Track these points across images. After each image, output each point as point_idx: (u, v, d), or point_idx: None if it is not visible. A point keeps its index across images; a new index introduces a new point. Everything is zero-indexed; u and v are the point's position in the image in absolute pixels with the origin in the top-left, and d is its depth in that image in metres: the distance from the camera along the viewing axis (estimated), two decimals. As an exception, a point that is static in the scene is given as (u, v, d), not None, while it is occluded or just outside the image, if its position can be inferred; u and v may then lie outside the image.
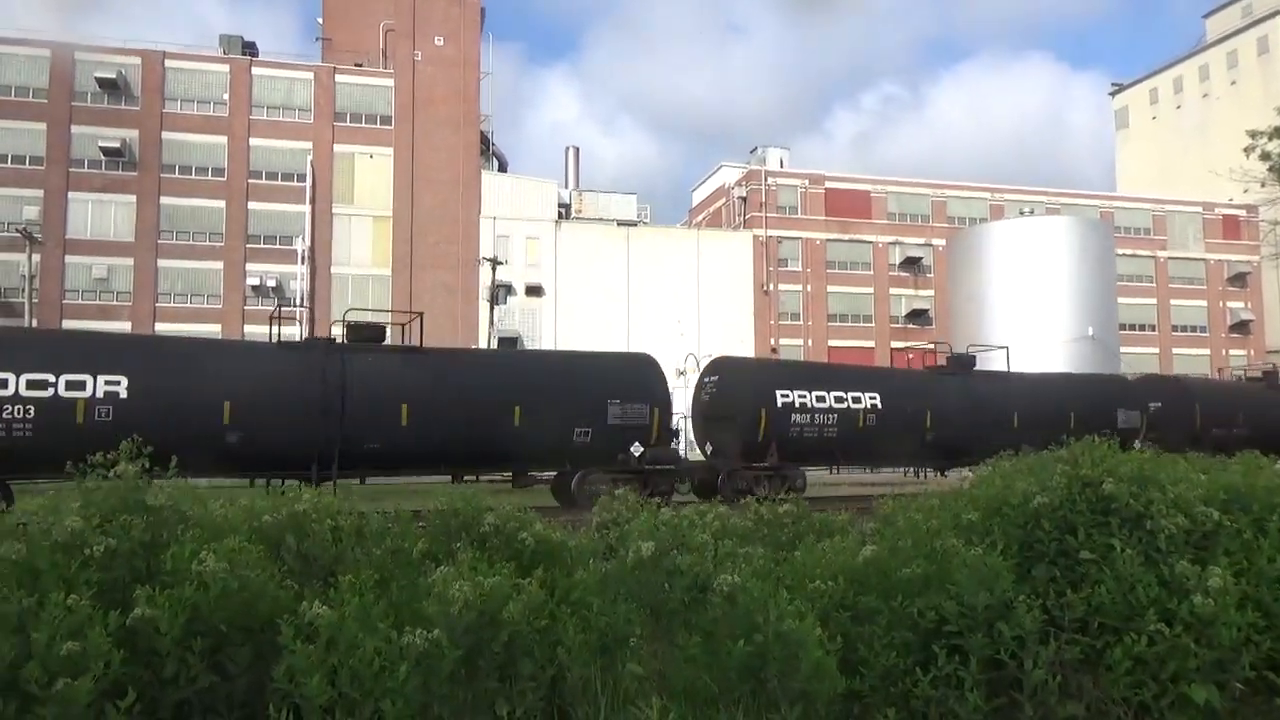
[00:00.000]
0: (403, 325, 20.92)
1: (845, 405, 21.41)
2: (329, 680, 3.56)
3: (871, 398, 21.73)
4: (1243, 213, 62.02)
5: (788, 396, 20.83)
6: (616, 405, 18.84)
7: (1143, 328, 61.14)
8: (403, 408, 17.05)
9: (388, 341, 20.21)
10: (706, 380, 22.27)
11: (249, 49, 51.80)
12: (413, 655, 3.61)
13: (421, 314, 20.63)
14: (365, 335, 19.21)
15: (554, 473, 19.53)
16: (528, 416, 17.93)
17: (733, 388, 21.33)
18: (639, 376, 20.11)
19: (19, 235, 42.02)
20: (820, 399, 21.17)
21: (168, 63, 48.59)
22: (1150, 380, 29.57)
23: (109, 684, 3.40)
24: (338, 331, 20.22)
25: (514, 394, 18.30)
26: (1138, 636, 4.13)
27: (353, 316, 19.63)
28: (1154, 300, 62.65)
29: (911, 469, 25.15)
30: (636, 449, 18.70)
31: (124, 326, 44.09)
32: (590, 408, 18.72)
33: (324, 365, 17.25)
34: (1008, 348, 27.54)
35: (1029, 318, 47.14)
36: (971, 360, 25.62)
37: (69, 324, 42.47)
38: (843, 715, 4.18)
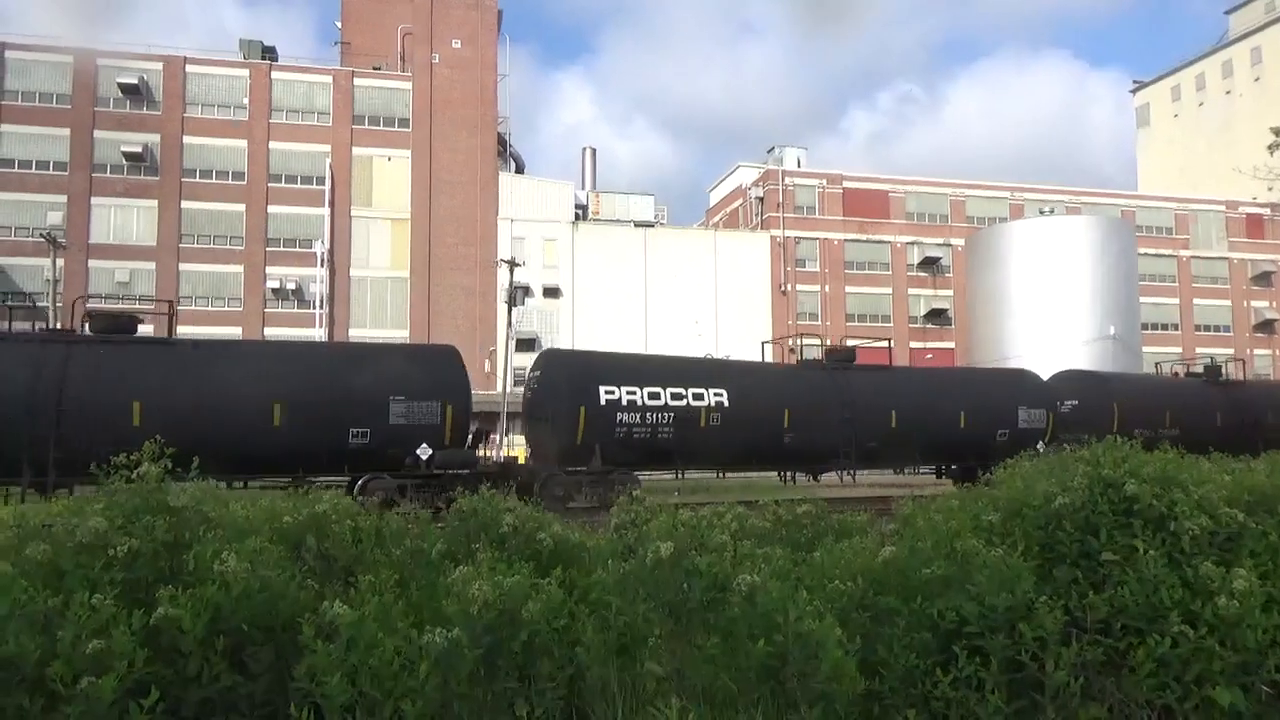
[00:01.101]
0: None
1: (684, 403, 19.43)
2: (349, 679, 3.58)
3: (717, 394, 19.79)
4: (1267, 211, 61.34)
5: (613, 393, 18.77)
6: (401, 403, 17.11)
7: (1165, 327, 60.55)
8: (135, 406, 15.18)
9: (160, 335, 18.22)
10: (531, 375, 20.65)
11: (269, 53, 52.22)
12: (432, 655, 3.63)
13: (172, 302, 18.68)
14: (113, 326, 17.18)
15: (344, 479, 17.44)
16: (291, 416, 16.22)
17: (552, 384, 19.37)
18: (431, 371, 18.36)
19: (43, 240, 42.51)
20: (654, 396, 19.16)
21: (188, 68, 49.06)
22: (1067, 377, 27.97)
23: (133, 682, 3.43)
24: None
25: (274, 390, 16.42)
26: (1161, 638, 4.08)
27: (94, 305, 18.23)
28: (1177, 300, 62.05)
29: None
30: (424, 451, 16.93)
31: (146, 331, 44.48)
32: (368, 406, 16.91)
33: (40, 359, 15.40)
34: (890, 341, 26.98)
35: (1049, 318, 46.80)
36: (851, 354, 24.03)
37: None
38: (862, 716, 4.16)
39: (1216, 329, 62.51)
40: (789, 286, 55.92)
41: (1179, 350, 60.40)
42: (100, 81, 47.54)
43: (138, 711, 3.36)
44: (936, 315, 58.32)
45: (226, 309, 47.83)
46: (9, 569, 3.78)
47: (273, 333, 47.42)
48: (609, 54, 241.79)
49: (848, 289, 57.36)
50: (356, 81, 50.95)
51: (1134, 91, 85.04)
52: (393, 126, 51.15)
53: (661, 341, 46.05)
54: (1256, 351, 61.95)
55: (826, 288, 56.88)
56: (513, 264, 44.77)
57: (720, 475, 23.36)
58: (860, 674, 3.98)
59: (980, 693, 4.05)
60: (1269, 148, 26.92)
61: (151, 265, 47.26)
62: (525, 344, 46.74)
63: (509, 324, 44.38)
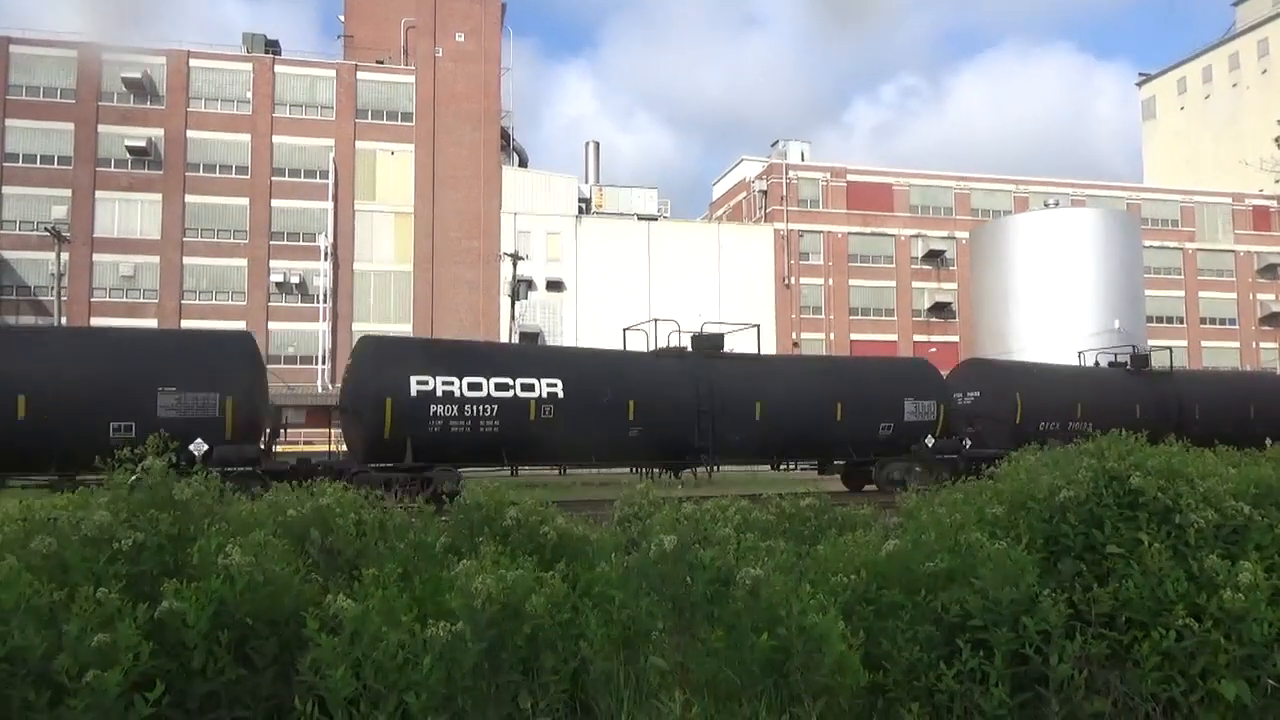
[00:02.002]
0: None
1: (510, 394, 17.95)
2: (354, 673, 3.59)
3: (551, 384, 18.35)
4: (1273, 203, 61.07)
5: (427, 384, 17.37)
6: (172, 394, 16.09)
7: (1171, 320, 60.41)
8: None
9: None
10: (346, 364, 19.51)
11: (272, 47, 52.22)
12: (436, 648, 3.63)
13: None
14: None
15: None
16: (37, 408, 15.31)
17: (360, 373, 18.00)
18: (211, 359, 17.19)
19: (48, 234, 42.61)
20: (475, 386, 17.65)
21: (192, 62, 49.07)
22: (970, 365, 26.43)
23: (138, 676, 3.44)
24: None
25: (20, 383, 15.51)
26: (1166, 632, 4.08)
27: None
28: (1182, 293, 61.89)
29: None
30: (199, 447, 15.83)
31: (150, 324, 44.64)
32: (135, 396, 15.89)
33: None
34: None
35: (1054, 311, 46.70)
36: (718, 341, 22.24)
37: (96, 322, 43.05)
38: (866, 710, 4.16)
39: (1222, 322, 62.35)
40: (793, 280, 55.88)
41: (1184, 343, 60.30)
42: (104, 76, 47.59)
43: (143, 705, 3.37)
44: (941, 309, 58.23)
45: (230, 303, 47.90)
46: (14, 562, 3.79)
47: (276, 327, 47.51)
48: (611, 47, 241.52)
49: (851, 282, 57.29)
50: (360, 75, 50.92)
51: (1140, 84, 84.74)
52: (396, 120, 51.12)
53: (664, 335, 46.04)
54: (1263, 345, 61.80)
55: (830, 281, 56.82)
56: (516, 258, 44.80)
57: (561, 472, 21.41)
58: (864, 668, 3.98)
59: (984, 686, 4.05)
60: (1276, 140, 26.79)
61: (155, 259, 47.33)
62: (529, 338, 46.76)
63: (512, 318, 44.41)
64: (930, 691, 4.13)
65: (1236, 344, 61.78)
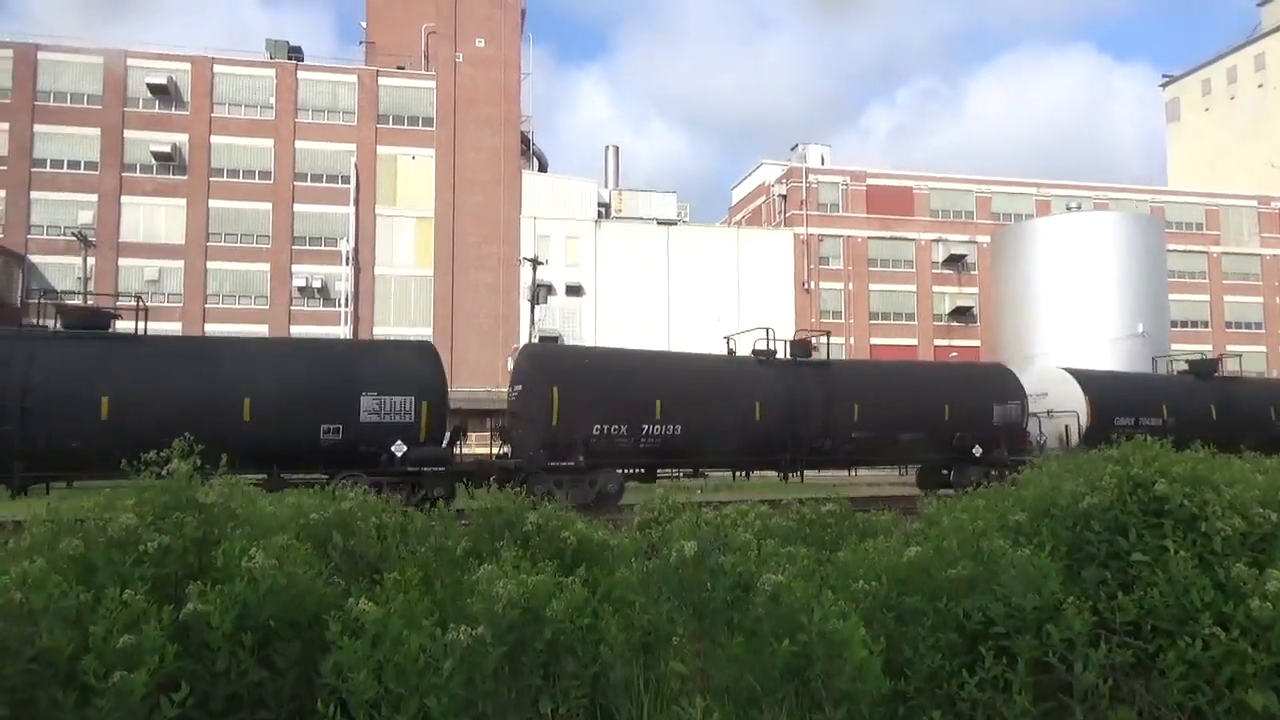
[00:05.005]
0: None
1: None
2: (375, 676, 3.60)
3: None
4: (1300, 206, 60.32)
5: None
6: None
7: (1196, 324, 59.72)
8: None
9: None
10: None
11: (294, 53, 52.65)
12: (457, 652, 3.64)
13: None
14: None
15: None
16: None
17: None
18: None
19: (75, 238, 43.18)
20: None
21: (216, 68, 49.57)
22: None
23: (163, 677, 3.47)
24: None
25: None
26: (1192, 640, 4.02)
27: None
28: (1207, 297, 61.18)
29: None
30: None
31: (174, 328, 45.10)
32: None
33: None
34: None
35: (1076, 315, 46.28)
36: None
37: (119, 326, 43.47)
38: (887, 717, 4.13)
39: (1248, 326, 61.57)
40: (812, 284, 55.69)
41: (1210, 348, 59.57)
42: (130, 82, 48.16)
43: (168, 706, 3.40)
44: (961, 313, 57.84)
45: (253, 306, 48.31)
46: (43, 564, 3.84)
47: (298, 330, 47.87)
48: (627, 52, 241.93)
49: (871, 287, 57.03)
50: (381, 80, 51.27)
51: (1164, 86, 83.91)
52: (417, 125, 51.42)
53: (683, 339, 46.00)
54: (1289, 349, 61.00)
55: (850, 285, 56.58)
56: (535, 262, 44.91)
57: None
58: (885, 674, 3.96)
59: (1007, 694, 4.01)
60: None
61: (180, 263, 47.82)
62: (549, 341, 46.85)
63: (532, 322, 44.51)
64: (952, 699, 4.10)
65: (1263, 348, 60.95)
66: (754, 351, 22.40)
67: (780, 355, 22.45)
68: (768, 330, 22.68)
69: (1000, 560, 4.38)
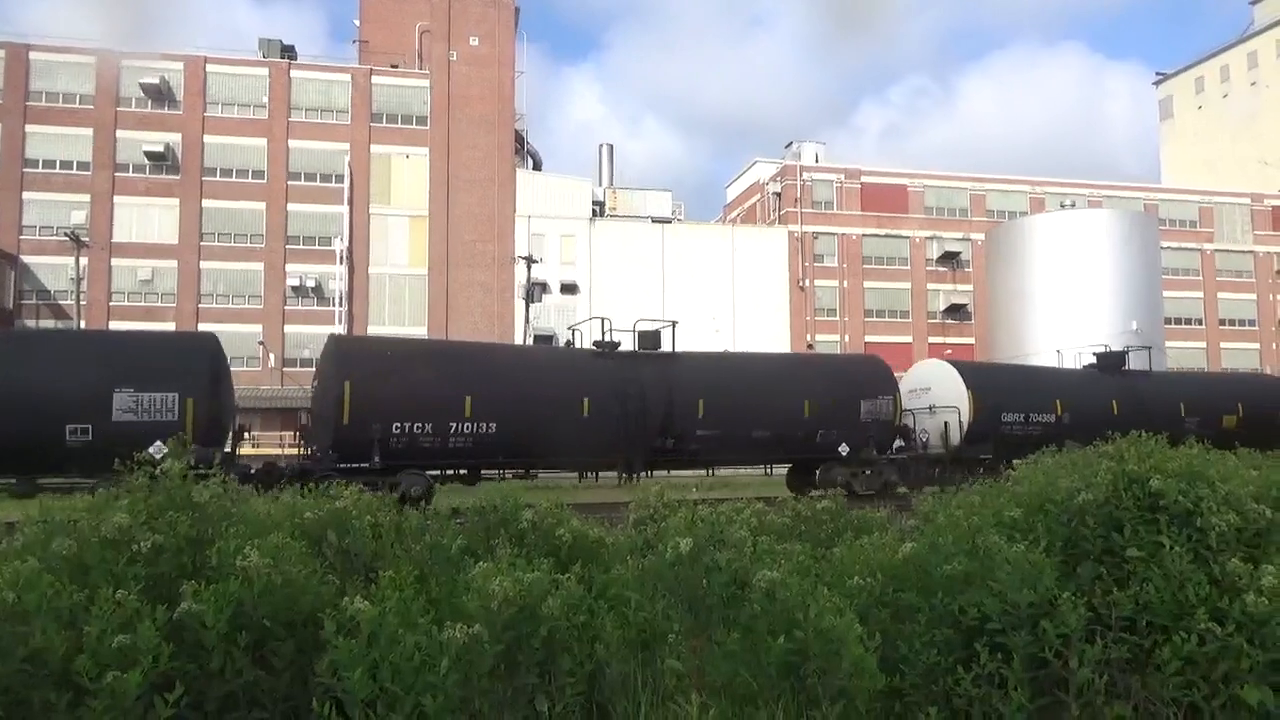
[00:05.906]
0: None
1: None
2: (371, 675, 3.59)
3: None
4: (1293, 203, 60.53)
5: None
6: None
7: (1189, 322, 59.90)
8: None
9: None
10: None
11: (288, 52, 52.51)
12: (453, 650, 3.64)
13: None
14: None
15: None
16: None
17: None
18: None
19: (68, 239, 43.01)
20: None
21: (209, 67, 49.41)
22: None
23: (157, 677, 3.46)
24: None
25: None
26: (1187, 636, 4.03)
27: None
28: (1200, 294, 61.35)
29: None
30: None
31: (169, 327, 44.95)
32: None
33: None
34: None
35: (1071, 313, 46.41)
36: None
37: (115, 326, 43.40)
38: (883, 713, 4.14)
39: (1242, 323, 61.78)
40: (807, 282, 55.72)
41: (1203, 345, 59.76)
42: (122, 82, 47.97)
43: (162, 706, 3.39)
44: (956, 310, 57.93)
45: (247, 306, 48.19)
46: (36, 564, 3.82)
47: (292, 330, 47.78)
48: (620, 51, 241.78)
49: (866, 284, 57.08)
50: (375, 79, 51.15)
51: (1157, 84, 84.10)
52: (411, 124, 51.31)
53: (679, 337, 46.03)
54: (1282, 346, 61.21)
55: (845, 283, 56.62)
56: (530, 260, 44.88)
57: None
58: (881, 671, 3.96)
59: (1003, 690, 4.02)
60: None
61: (173, 263, 47.68)
62: (543, 340, 46.80)
63: (527, 320, 44.48)
64: (948, 695, 4.11)
65: (1256, 345, 61.16)
66: (595, 343, 21.09)
67: (624, 348, 21.04)
68: (604, 320, 21.34)
69: (995, 556, 4.38)
